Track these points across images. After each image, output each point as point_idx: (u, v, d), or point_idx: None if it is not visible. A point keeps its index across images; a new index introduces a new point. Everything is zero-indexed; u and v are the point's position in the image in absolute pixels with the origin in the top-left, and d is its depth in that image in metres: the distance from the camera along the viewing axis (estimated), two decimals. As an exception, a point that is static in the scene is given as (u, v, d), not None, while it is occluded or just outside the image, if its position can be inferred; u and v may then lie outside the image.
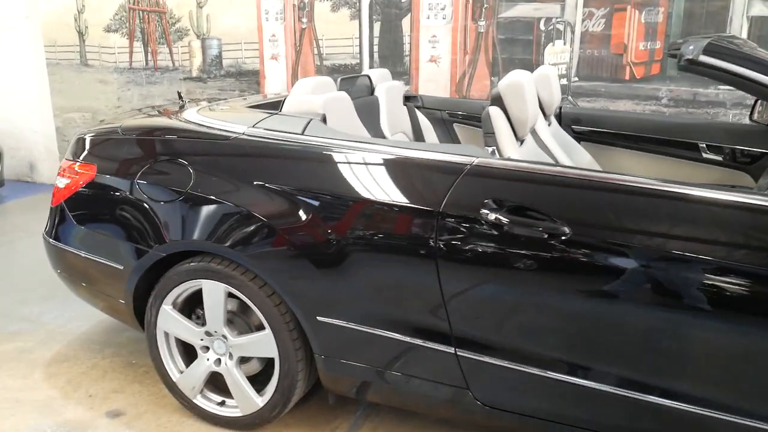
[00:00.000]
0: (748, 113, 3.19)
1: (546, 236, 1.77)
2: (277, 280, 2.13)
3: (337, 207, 2.07)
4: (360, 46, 5.28)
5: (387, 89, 3.11)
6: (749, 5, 4.26)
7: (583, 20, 4.61)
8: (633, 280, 1.67)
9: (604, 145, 3.11)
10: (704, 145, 3.07)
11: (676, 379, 1.66)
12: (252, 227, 2.13)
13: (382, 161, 2.05)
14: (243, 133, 2.30)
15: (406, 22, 5.10)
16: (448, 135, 3.54)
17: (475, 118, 3.57)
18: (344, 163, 2.11)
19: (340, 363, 2.12)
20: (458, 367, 1.95)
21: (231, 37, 5.66)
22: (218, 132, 2.36)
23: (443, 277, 1.91)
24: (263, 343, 2.19)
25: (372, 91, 3.10)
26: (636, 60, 4.52)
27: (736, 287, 1.57)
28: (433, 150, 2.05)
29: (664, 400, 1.68)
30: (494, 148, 2.25)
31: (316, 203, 2.09)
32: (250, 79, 5.72)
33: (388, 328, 2.03)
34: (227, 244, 2.14)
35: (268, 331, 2.18)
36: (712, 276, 1.57)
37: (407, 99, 3.44)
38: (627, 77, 4.60)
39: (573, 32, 4.64)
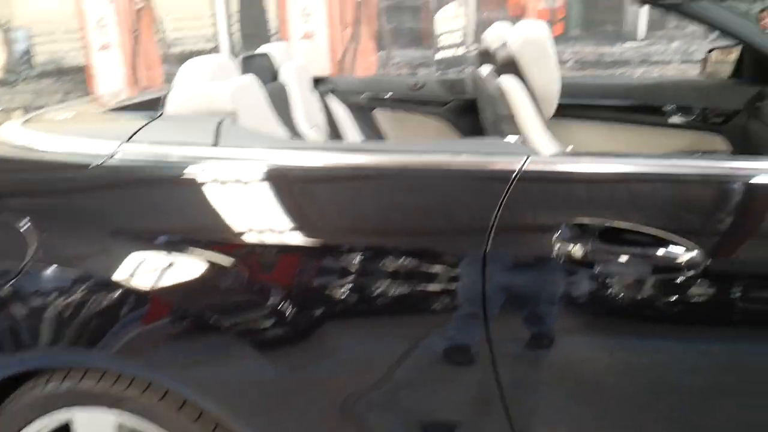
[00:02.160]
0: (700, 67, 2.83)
1: (672, 268, 1.15)
2: (201, 385, 1.32)
3: (307, 259, 1.30)
4: (216, 25, 4.36)
5: (295, 71, 2.34)
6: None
7: (477, -21, 4.09)
8: None
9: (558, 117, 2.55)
10: (671, 108, 2.65)
11: None
12: (147, 312, 1.30)
13: (375, 178, 1.31)
14: (112, 155, 1.41)
15: (269, -6, 4.29)
16: (369, 124, 2.84)
17: (403, 101, 2.88)
18: (306, 184, 1.34)
19: None
20: None
21: (43, 26, 4.45)
22: (68, 158, 1.45)
23: (500, 360, 1.22)
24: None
25: (275, 74, 2.32)
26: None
27: None
28: (448, 150, 1.33)
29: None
30: (520, 137, 1.58)
31: (265, 256, 1.31)
32: (74, 77, 4.55)
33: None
34: (111, 347, 1.28)
35: None
36: None
37: (316, 82, 2.69)
38: (528, 40, 4.16)
39: (466, -6, 4.10)
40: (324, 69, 4.22)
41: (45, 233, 1.35)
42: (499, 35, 2.49)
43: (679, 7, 2.44)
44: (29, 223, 1.34)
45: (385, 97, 2.85)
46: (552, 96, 1.58)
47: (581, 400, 1.23)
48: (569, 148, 1.31)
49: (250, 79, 1.82)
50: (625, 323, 1.15)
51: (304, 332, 1.26)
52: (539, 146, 1.39)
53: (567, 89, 2.41)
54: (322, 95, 2.57)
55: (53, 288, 1.35)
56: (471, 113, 2.89)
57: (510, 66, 1.59)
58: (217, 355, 1.30)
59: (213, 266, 1.28)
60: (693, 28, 4.09)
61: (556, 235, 1.14)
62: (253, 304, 1.28)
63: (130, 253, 1.30)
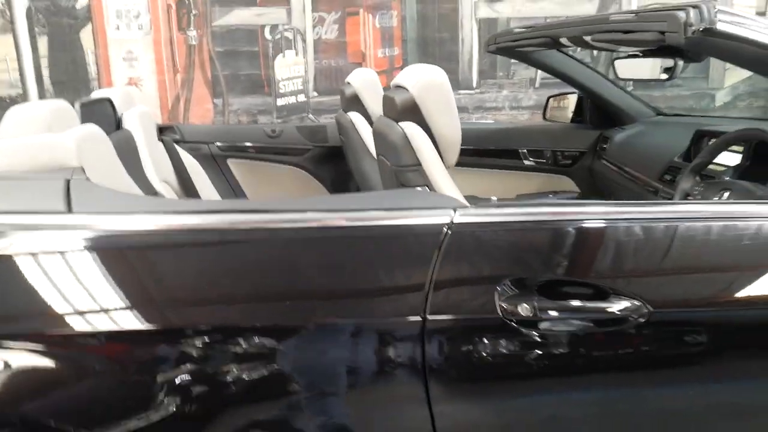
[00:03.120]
0: (542, 112, 2.97)
1: (622, 323, 1.07)
2: None
3: (213, 344, 1.05)
4: (21, 70, 3.82)
5: (140, 118, 2.03)
6: (476, 8, 4.18)
7: (315, 26, 4.02)
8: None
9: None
10: (525, 151, 2.73)
11: None
12: None
13: (295, 241, 1.09)
14: None
15: (87, 35, 3.85)
16: (221, 175, 2.57)
17: (259, 150, 2.67)
18: (212, 247, 1.10)
19: None
20: None
21: None
22: None
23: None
24: None
25: (118, 122, 1.99)
26: (376, 68, 4.09)
27: None
28: (366, 208, 1.15)
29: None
30: (426, 187, 1.44)
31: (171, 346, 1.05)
32: None
33: None
34: None
35: None
36: None
37: (160, 131, 2.38)
38: (369, 88, 4.14)
39: (304, 41, 4.01)
40: (154, 118, 3.88)
41: None
42: (364, 79, 2.41)
43: (528, 57, 2.54)
44: None
45: (240, 145, 2.63)
46: (456, 143, 1.50)
47: None
48: (494, 199, 1.22)
49: (95, 128, 1.52)
50: (562, 370, 1.06)
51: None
52: (452, 196, 1.28)
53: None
54: (167, 146, 2.29)
55: None
56: (333, 161, 2.77)
57: (411, 111, 1.48)
58: None
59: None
60: (520, 77, 4.34)
61: (496, 295, 1.03)
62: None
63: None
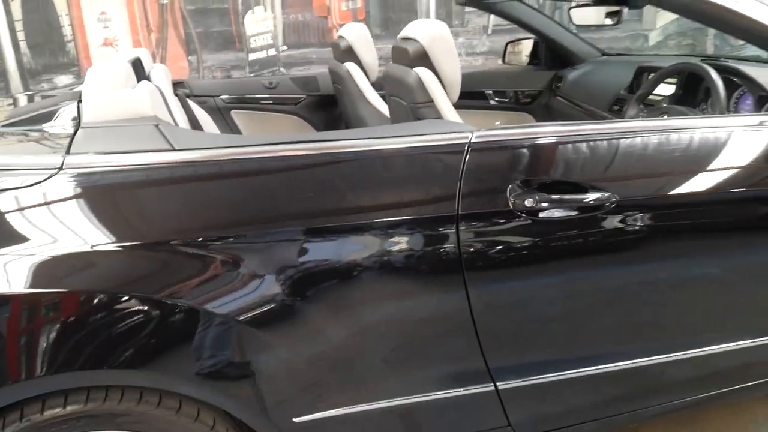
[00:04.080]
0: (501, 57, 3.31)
1: (599, 209, 1.45)
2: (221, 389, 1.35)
3: (317, 240, 1.38)
4: (-4, 34, 3.91)
5: (164, 74, 2.27)
6: (433, -41, 4.44)
7: (282, -18, 4.22)
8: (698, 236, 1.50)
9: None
10: (490, 92, 3.08)
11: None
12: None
13: (351, 162, 1.41)
14: (61, 171, 1.37)
15: (60, -3, 3.95)
16: (226, 126, 2.82)
17: (256, 101, 2.93)
18: (303, 171, 1.40)
19: None
20: (499, 404, 1.51)
21: None
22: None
23: (475, 300, 1.43)
24: None
25: (147, 78, 2.22)
26: (341, 21, 4.34)
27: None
28: (404, 134, 1.49)
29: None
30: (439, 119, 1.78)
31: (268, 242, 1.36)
32: None
33: (407, 392, 1.46)
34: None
35: None
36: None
37: (174, 86, 2.60)
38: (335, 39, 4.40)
39: (272, -4, 4.21)
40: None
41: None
42: (358, 34, 2.67)
43: (493, 7, 2.87)
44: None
45: (242, 97, 2.88)
46: (458, 82, 1.83)
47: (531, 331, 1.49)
48: (497, 124, 1.55)
49: (151, 85, 1.79)
50: (563, 249, 1.44)
51: (329, 322, 1.33)
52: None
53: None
54: (180, 99, 2.54)
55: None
56: (324, 108, 3.05)
57: (422, 59, 1.79)
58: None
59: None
60: (474, 25, 4.64)
61: (509, 193, 1.39)
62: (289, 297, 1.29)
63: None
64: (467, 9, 4.51)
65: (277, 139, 1.40)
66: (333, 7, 4.32)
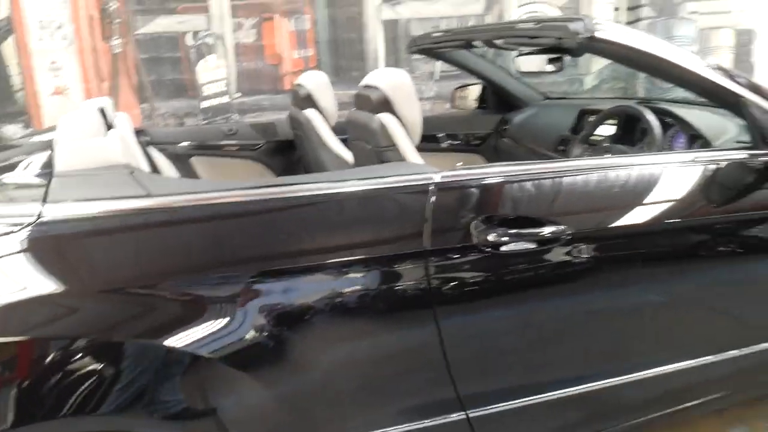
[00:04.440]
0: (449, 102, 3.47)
1: (555, 241, 1.55)
2: None
3: (298, 284, 1.43)
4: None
5: (128, 122, 2.29)
6: (380, 10, 4.63)
7: (234, 31, 4.31)
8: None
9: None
10: (443, 135, 3.20)
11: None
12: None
13: (331, 204, 1.47)
14: (39, 221, 1.39)
15: (9, 47, 3.93)
16: (186, 172, 2.84)
17: (216, 147, 2.97)
18: (259, 214, 1.46)
19: None
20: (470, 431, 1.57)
21: None
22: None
23: (445, 332, 1.50)
24: None
25: (110, 126, 2.24)
26: (293, 68, 4.46)
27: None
28: (373, 176, 1.57)
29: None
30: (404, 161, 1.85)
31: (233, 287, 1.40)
32: None
33: (382, 425, 1.51)
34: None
35: None
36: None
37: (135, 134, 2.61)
38: (287, 87, 4.51)
39: (225, 45, 4.30)
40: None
41: None
42: (317, 82, 2.76)
43: (441, 55, 3.03)
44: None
45: (202, 144, 2.92)
46: (418, 126, 1.93)
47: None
48: (459, 165, 1.65)
49: (119, 132, 1.83)
50: (523, 280, 1.53)
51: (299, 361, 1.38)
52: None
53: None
54: (141, 146, 2.57)
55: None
56: (283, 153, 3.12)
57: (384, 105, 1.89)
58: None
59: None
60: (420, 71, 4.83)
61: (473, 229, 1.48)
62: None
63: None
64: (415, 56, 4.69)
65: (265, 182, 1.47)
66: (285, 55, 4.43)
